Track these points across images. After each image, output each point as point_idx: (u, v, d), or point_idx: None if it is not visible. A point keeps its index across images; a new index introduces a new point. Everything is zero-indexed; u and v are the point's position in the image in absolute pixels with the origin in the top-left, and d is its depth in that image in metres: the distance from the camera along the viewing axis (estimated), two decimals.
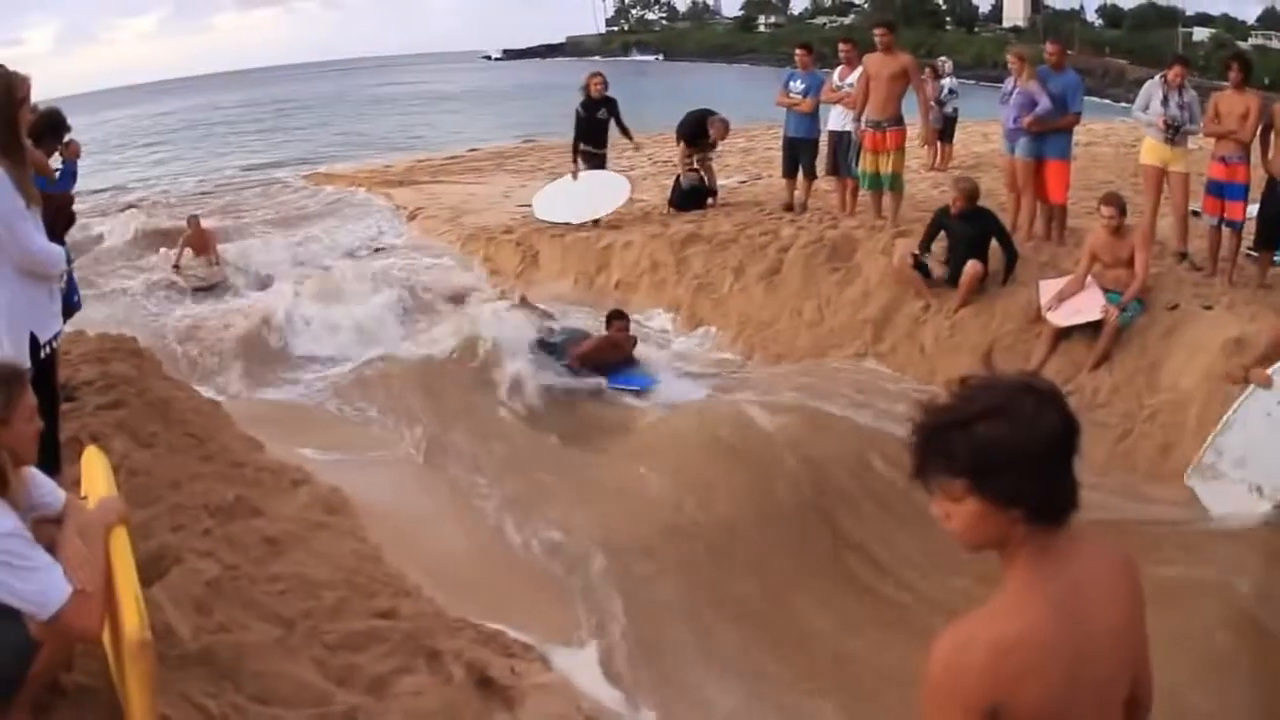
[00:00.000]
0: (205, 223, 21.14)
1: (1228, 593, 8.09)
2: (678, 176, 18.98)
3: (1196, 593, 8.04)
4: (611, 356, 13.46)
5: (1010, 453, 2.59)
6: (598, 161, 19.00)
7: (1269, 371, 9.39)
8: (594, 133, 18.69)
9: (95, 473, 5.18)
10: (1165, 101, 13.06)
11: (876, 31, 15.55)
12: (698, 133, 18.48)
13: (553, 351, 13.27)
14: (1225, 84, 13.09)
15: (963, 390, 2.72)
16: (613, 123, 18.72)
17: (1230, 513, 9.61)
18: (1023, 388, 2.67)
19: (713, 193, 18.93)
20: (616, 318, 13.83)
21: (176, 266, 19.58)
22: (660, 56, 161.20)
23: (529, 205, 20.58)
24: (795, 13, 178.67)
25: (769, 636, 8.18)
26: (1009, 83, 14.20)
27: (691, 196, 18.63)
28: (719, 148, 19.33)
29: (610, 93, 18.35)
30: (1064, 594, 2.66)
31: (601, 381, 13.05)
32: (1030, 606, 2.65)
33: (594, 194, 18.50)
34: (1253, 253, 13.01)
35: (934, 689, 2.64)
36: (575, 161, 18.81)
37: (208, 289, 18.99)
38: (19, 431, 4.32)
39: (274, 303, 15.48)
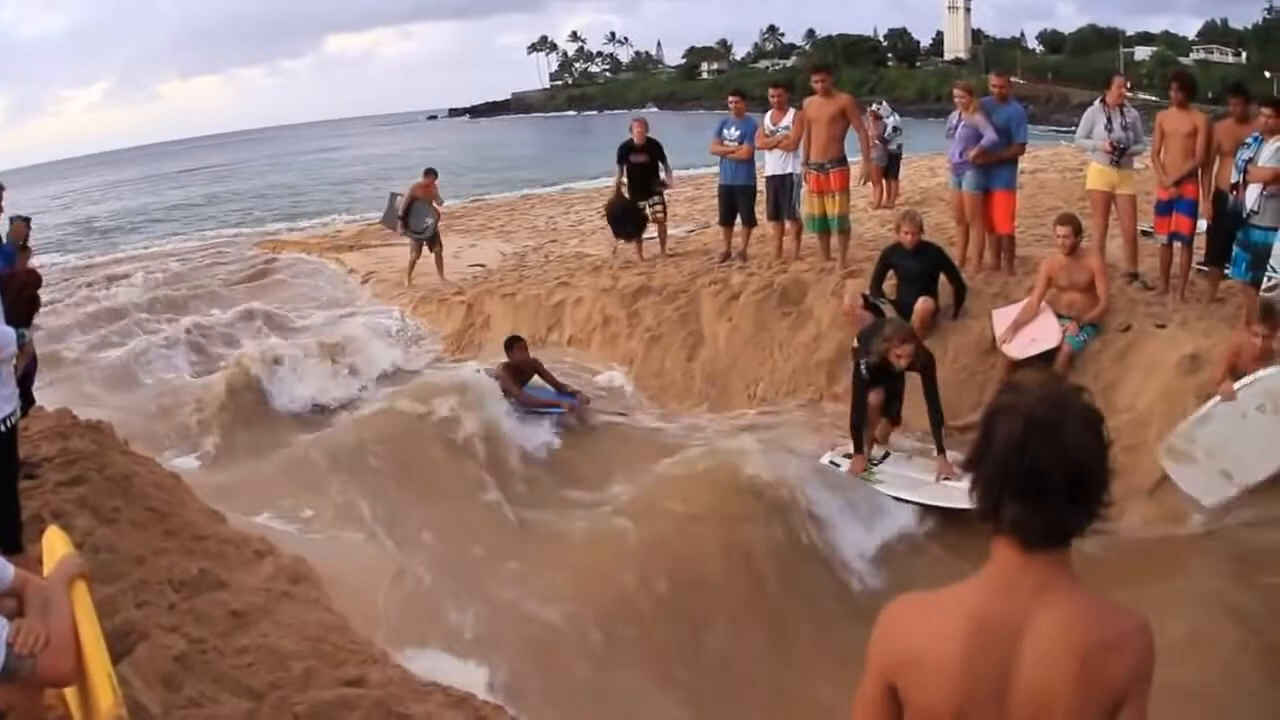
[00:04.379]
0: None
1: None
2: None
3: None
4: (518, 382, 13.87)
5: (998, 461, 2.62)
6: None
7: (1235, 386, 9.54)
8: (636, 179, 18.20)
9: (57, 553, 5.09)
10: (1109, 125, 13.08)
11: (815, 77, 15.53)
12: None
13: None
14: (1170, 102, 13.13)
15: (1016, 384, 2.76)
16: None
17: (1199, 494, 9.93)
18: (1055, 408, 2.62)
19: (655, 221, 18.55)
20: (513, 344, 14.19)
21: (406, 215, 20.85)
22: (597, 111, 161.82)
23: (480, 265, 20.59)
24: (738, 58, 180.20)
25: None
26: (954, 117, 14.18)
27: (626, 219, 18.44)
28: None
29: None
30: (1001, 621, 2.64)
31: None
32: (955, 615, 2.69)
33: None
34: (1203, 268, 13.02)
35: (871, 636, 2.84)
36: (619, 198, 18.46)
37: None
38: None
39: (244, 368, 15.25)
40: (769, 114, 16.09)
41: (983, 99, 14.16)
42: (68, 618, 4.34)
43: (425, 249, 21.31)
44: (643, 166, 17.96)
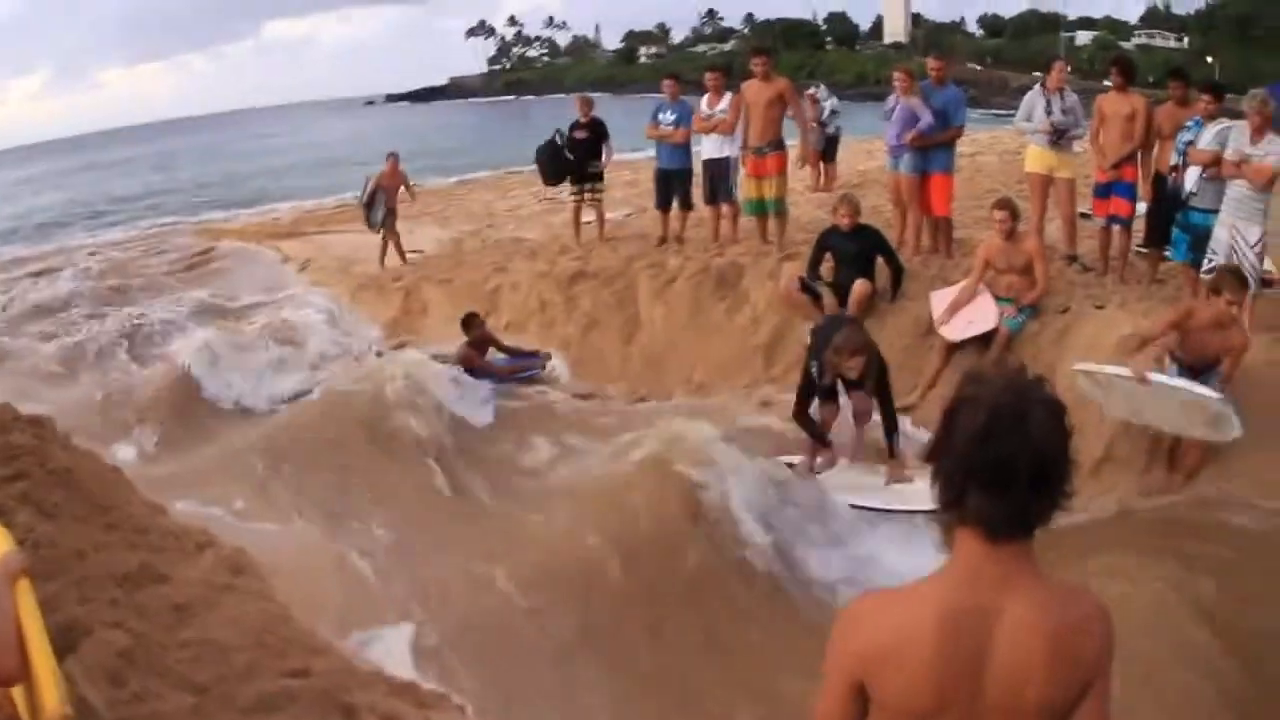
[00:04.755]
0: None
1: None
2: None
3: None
4: (480, 356, 14.44)
5: (962, 452, 2.62)
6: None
7: (1149, 375, 9.33)
8: (576, 156, 18.01)
9: None
10: (1049, 108, 13.15)
11: (754, 60, 15.49)
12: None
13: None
14: (1110, 85, 13.26)
15: (979, 375, 2.74)
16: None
17: (1106, 408, 10.06)
18: (1019, 398, 2.62)
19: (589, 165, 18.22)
20: (471, 321, 14.75)
21: (369, 204, 20.31)
22: (535, 96, 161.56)
23: (417, 251, 20.45)
24: (676, 42, 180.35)
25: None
26: (891, 100, 14.20)
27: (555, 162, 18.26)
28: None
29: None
30: (971, 613, 2.65)
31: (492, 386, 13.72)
32: (923, 608, 2.68)
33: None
34: (1142, 250, 13.14)
35: (831, 638, 2.84)
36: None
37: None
38: None
39: (183, 359, 15.05)
40: (705, 98, 15.95)
41: (921, 82, 14.18)
42: (10, 616, 4.20)
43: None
44: (584, 144, 17.79)
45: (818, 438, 10.76)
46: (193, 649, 6.16)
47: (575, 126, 17.78)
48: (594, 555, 9.22)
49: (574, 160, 17.85)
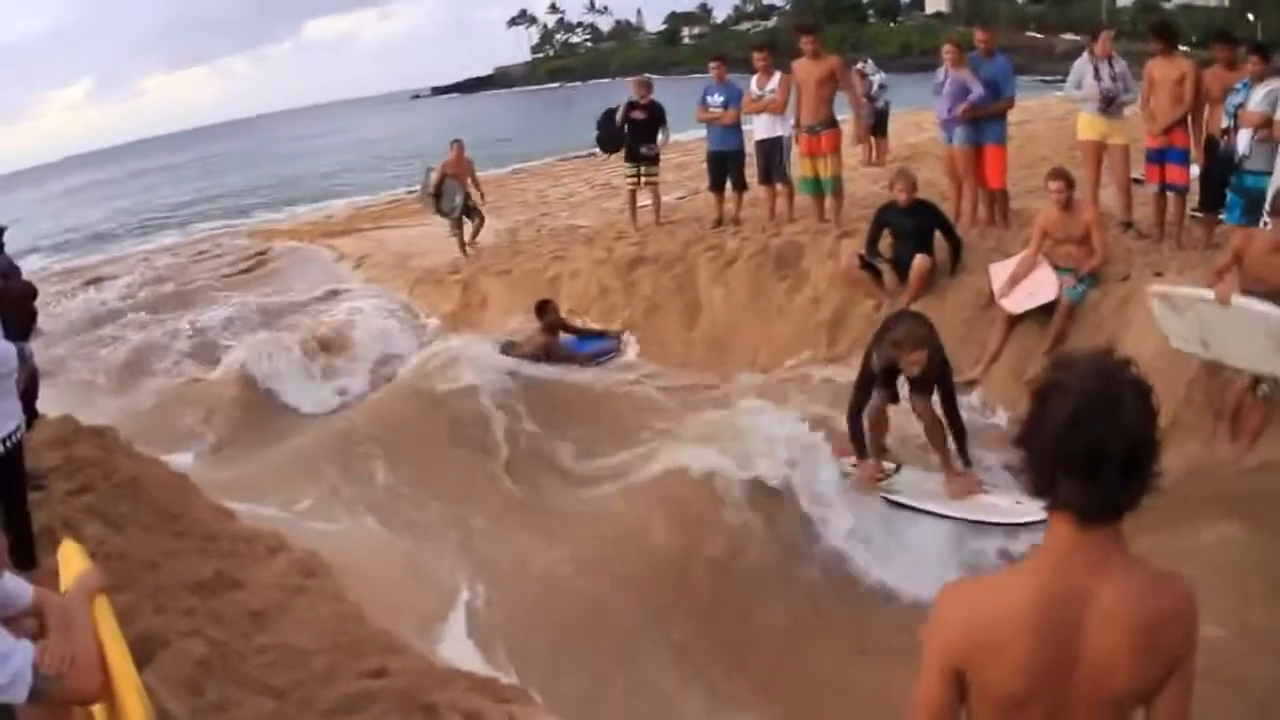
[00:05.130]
0: None
1: None
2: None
3: None
4: (555, 340, 14.87)
5: (1052, 438, 2.63)
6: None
7: (1232, 297, 9.18)
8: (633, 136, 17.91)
9: (74, 567, 5.09)
10: (1097, 75, 13.08)
11: (803, 39, 15.45)
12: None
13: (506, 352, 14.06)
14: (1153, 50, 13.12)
15: (1066, 358, 2.76)
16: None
17: (1170, 336, 9.99)
18: (1109, 383, 2.63)
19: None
20: (544, 308, 15.04)
21: (437, 194, 20.09)
22: (580, 82, 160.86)
23: (473, 243, 20.47)
24: (718, 21, 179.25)
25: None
26: (940, 73, 14.19)
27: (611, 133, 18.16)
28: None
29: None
30: (1063, 599, 2.68)
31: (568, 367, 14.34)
32: (1019, 595, 2.72)
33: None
34: (1197, 214, 13.00)
35: (928, 625, 2.88)
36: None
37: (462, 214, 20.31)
38: None
39: (242, 362, 15.17)
40: (755, 78, 15.94)
41: (969, 54, 14.16)
42: (91, 635, 4.31)
43: (466, 223, 20.59)
44: (641, 125, 17.71)
45: (859, 450, 10.20)
46: (270, 654, 6.28)
47: (633, 106, 17.69)
48: (660, 550, 9.23)
49: (629, 139, 17.84)
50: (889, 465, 10.42)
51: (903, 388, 10.34)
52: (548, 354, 14.35)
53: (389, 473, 11.61)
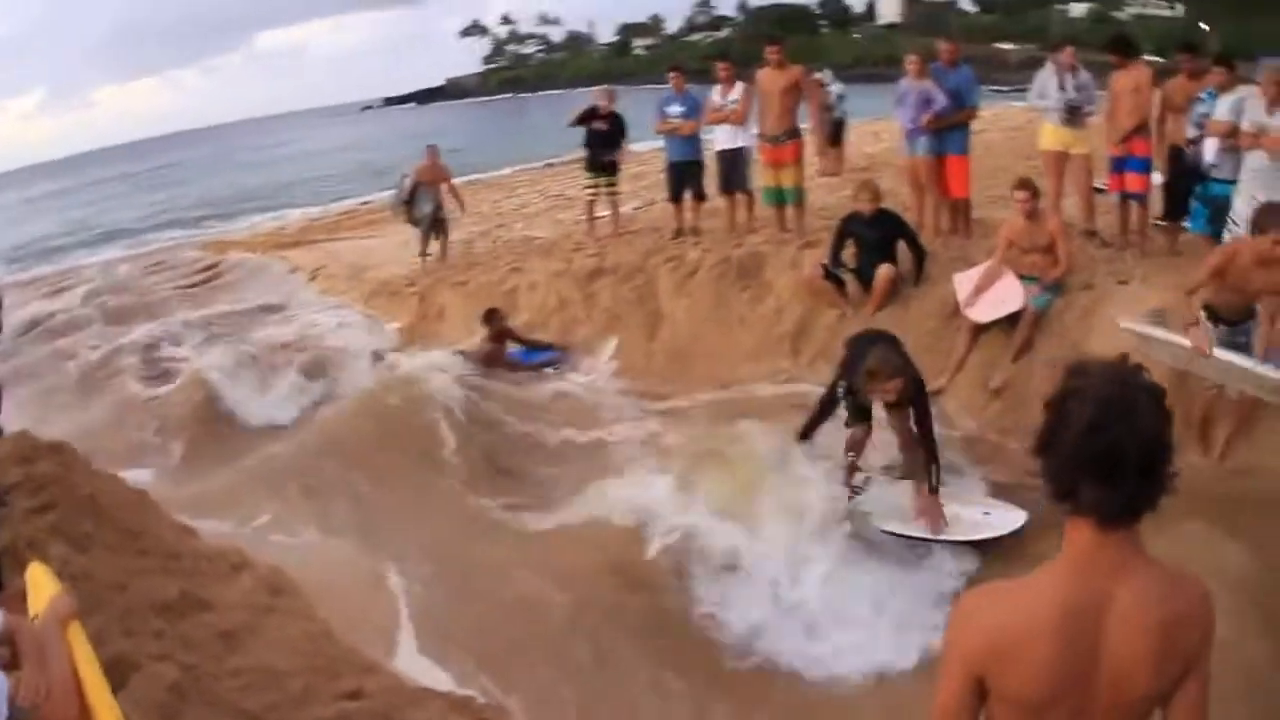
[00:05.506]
0: None
1: None
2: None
3: None
4: (501, 349, 15.10)
5: (1073, 445, 2.68)
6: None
7: (1209, 349, 9.09)
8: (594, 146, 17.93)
9: (44, 591, 4.94)
10: (1061, 86, 13.16)
11: (768, 49, 15.48)
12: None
13: None
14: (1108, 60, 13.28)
15: (1081, 366, 2.82)
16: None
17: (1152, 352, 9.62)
18: (1125, 388, 2.70)
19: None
20: (492, 316, 15.36)
21: (409, 201, 19.73)
22: (531, 93, 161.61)
23: (428, 254, 20.27)
24: (670, 33, 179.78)
25: None
26: (904, 83, 14.23)
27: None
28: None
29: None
30: (1085, 603, 2.74)
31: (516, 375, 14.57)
32: (1041, 600, 2.77)
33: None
34: (1160, 223, 13.13)
35: (947, 632, 2.94)
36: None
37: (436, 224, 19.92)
38: None
39: (198, 376, 14.99)
40: (717, 88, 15.93)
41: (933, 64, 14.23)
42: (66, 663, 4.19)
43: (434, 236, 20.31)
44: (603, 135, 17.67)
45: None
46: (243, 677, 6.15)
47: (596, 115, 17.67)
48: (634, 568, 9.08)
49: (590, 149, 17.83)
50: (859, 479, 10.13)
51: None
52: (493, 363, 14.41)
53: (348, 488, 11.52)
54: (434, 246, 20.16)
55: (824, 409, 10.13)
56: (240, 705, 5.86)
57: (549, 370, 14.94)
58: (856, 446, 10.11)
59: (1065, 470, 2.72)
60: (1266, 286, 9.30)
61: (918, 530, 9.38)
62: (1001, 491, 9.87)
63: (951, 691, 2.88)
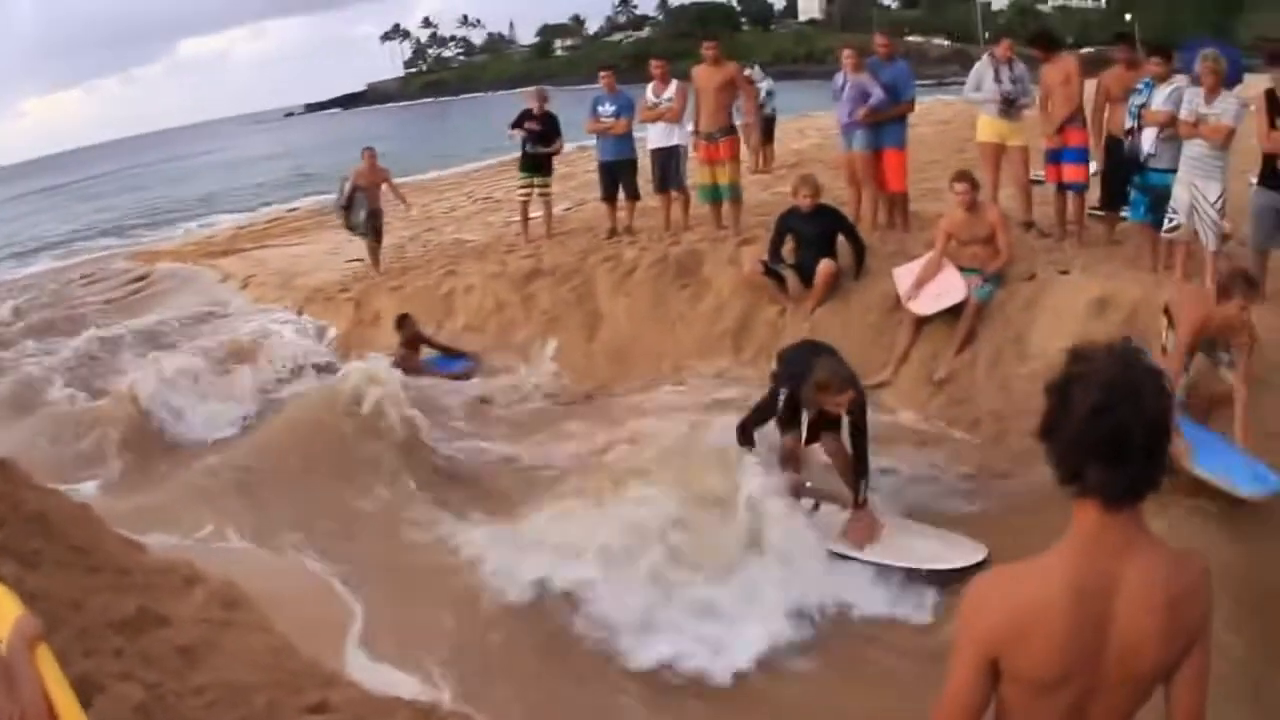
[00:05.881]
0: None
1: None
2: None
3: None
4: (415, 355, 15.22)
5: (1078, 428, 2.71)
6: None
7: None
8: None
9: (8, 614, 4.79)
10: (998, 78, 13.30)
11: (705, 45, 15.56)
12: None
13: None
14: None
15: (1084, 351, 2.83)
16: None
17: None
18: (1129, 371, 2.73)
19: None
20: (404, 321, 15.56)
21: (347, 206, 19.11)
22: (453, 96, 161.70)
23: (359, 260, 20.06)
24: (591, 32, 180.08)
25: None
26: (840, 78, 14.26)
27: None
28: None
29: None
30: (1094, 583, 2.77)
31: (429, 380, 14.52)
32: (1052, 581, 2.80)
33: None
34: (1097, 212, 13.28)
35: (959, 618, 2.99)
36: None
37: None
38: None
39: (133, 388, 14.71)
40: (651, 86, 15.88)
41: (869, 59, 14.27)
42: (37, 687, 4.05)
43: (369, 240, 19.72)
44: (537, 136, 17.62)
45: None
46: (207, 694, 6.00)
47: (529, 117, 17.60)
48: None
49: (524, 149, 17.79)
50: (806, 503, 9.70)
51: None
52: (407, 369, 14.16)
53: (289, 498, 11.31)
54: (365, 250, 19.85)
55: (763, 414, 9.76)
56: None
57: (459, 374, 14.94)
58: (792, 461, 9.70)
59: (1071, 454, 2.75)
60: (1236, 344, 9.11)
61: (874, 555, 8.96)
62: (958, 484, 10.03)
63: (965, 674, 2.92)
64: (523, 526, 9.66)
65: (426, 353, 15.38)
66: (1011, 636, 2.82)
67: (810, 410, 9.32)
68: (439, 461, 11.95)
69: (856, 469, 9.23)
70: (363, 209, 19.05)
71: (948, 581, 8.34)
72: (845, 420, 9.24)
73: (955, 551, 8.82)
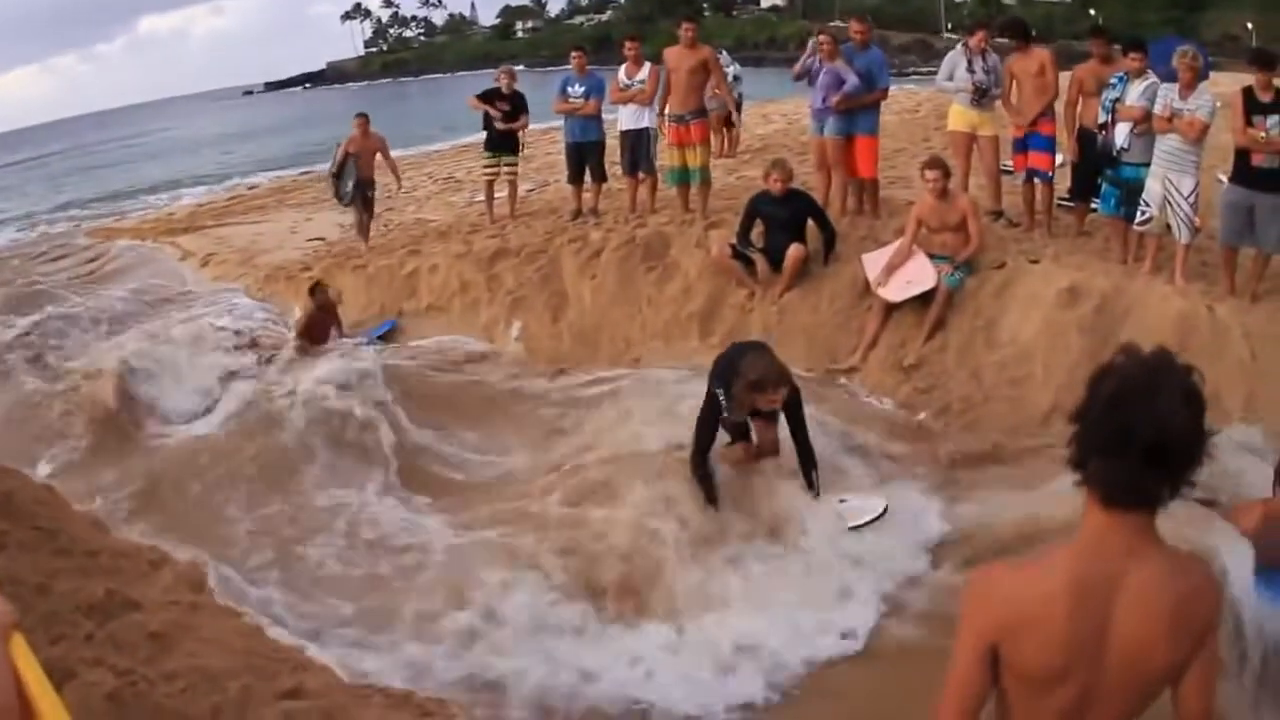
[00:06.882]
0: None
1: None
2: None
3: None
4: (320, 323, 14.87)
5: (1092, 417, 2.76)
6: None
7: None
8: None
9: None
10: (970, 68, 13.39)
11: (684, 26, 15.49)
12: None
13: None
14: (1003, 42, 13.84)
15: (1130, 347, 2.83)
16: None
17: None
18: (1153, 373, 2.72)
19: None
20: (314, 290, 15.30)
21: (337, 174, 18.74)
22: (413, 76, 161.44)
23: (319, 239, 19.91)
24: (552, 15, 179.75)
25: None
26: (814, 63, 14.22)
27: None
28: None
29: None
30: (1095, 583, 2.80)
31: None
32: (1054, 576, 2.84)
33: None
34: (1066, 202, 13.41)
35: (962, 605, 3.02)
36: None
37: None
38: None
39: (93, 369, 14.51)
40: (624, 67, 15.80)
41: (843, 45, 14.26)
42: (10, 677, 3.95)
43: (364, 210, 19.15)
44: (505, 115, 17.44)
45: (713, 501, 9.15)
46: (180, 680, 5.88)
47: (497, 96, 17.46)
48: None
49: (491, 129, 17.64)
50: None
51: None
52: (312, 336, 14.40)
53: (259, 480, 11.26)
54: (354, 221, 19.39)
55: (710, 427, 9.25)
56: (183, 711, 5.61)
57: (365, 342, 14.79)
58: (749, 460, 9.67)
59: (1081, 440, 2.79)
60: None
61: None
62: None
63: (966, 664, 2.95)
64: None
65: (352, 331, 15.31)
66: (1011, 628, 2.87)
67: (744, 410, 9.11)
68: (409, 450, 11.76)
69: (804, 461, 9.20)
70: (351, 178, 18.60)
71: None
72: (781, 416, 9.17)
73: (855, 506, 9.00)
